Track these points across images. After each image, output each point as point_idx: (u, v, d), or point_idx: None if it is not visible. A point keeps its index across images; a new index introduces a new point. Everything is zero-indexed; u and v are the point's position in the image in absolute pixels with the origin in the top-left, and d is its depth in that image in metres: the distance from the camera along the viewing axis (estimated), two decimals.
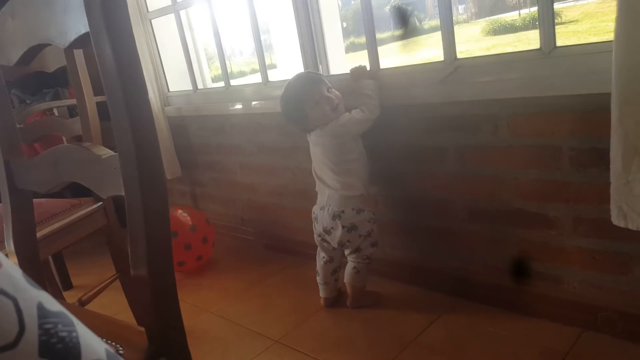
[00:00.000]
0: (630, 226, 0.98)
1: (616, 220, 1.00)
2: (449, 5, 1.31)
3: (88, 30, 0.60)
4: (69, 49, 0.78)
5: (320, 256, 1.55)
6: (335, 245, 1.46)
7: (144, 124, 0.57)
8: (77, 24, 0.63)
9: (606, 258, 1.16)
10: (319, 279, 1.56)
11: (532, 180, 1.23)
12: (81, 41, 0.64)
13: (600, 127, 1.04)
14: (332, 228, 1.43)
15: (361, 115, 1.41)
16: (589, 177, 1.13)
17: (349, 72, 1.49)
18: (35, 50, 0.76)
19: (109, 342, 0.69)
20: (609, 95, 0.94)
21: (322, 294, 1.57)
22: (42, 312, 0.32)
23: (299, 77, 1.49)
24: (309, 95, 1.42)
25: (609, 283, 1.18)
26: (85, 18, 0.59)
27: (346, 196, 1.42)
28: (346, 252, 1.49)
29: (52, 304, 0.33)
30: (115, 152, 0.63)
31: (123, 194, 0.62)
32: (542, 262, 1.28)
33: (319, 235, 1.50)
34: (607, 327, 1.20)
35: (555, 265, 1.26)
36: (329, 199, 1.44)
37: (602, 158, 1.07)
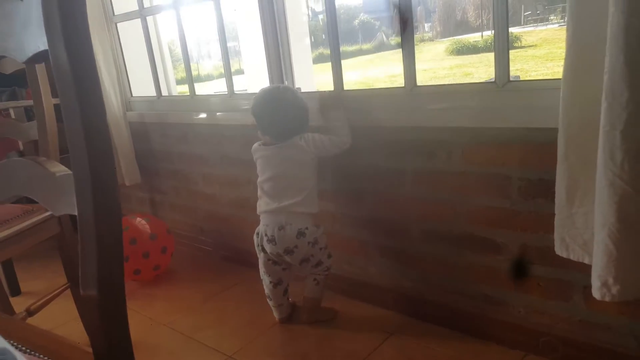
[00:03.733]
0: (571, 257, 1.03)
1: (559, 250, 1.05)
2: (412, 32, 1.36)
3: (47, 48, 0.59)
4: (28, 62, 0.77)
5: (267, 281, 1.52)
6: (297, 264, 1.46)
7: (102, 151, 0.57)
8: (35, 41, 0.62)
9: (549, 285, 1.22)
10: (271, 303, 1.56)
11: (483, 207, 1.28)
12: (40, 57, 0.63)
13: (548, 159, 1.09)
14: (296, 246, 1.42)
15: (336, 141, 1.43)
16: (536, 207, 1.18)
17: (318, 95, 1.53)
18: None
19: None
20: (556, 130, 0.99)
21: (276, 315, 1.56)
22: None
23: (275, 85, 1.64)
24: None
25: (551, 309, 1.23)
26: (45, 35, 0.59)
27: (307, 213, 1.44)
28: (306, 268, 1.49)
29: None
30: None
31: (76, 214, 0.62)
32: (490, 286, 1.33)
33: (271, 259, 1.48)
34: (548, 351, 1.25)
35: (502, 290, 1.31)
36: (289, 217, 1.42)
37: (548, 190, 1.12)
